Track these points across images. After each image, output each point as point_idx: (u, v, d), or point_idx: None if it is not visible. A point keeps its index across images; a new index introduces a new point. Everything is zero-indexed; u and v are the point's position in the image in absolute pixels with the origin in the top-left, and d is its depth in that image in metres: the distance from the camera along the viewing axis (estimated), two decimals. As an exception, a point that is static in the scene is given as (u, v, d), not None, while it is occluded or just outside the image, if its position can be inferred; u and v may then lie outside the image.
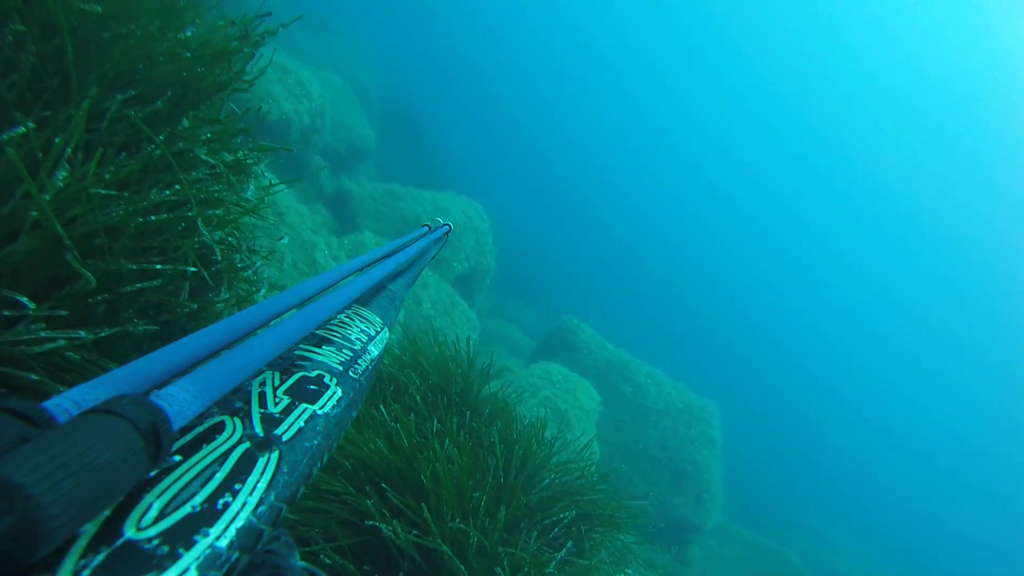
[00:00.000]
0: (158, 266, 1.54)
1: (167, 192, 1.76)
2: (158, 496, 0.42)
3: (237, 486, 0.47)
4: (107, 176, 1.70)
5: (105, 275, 1.55)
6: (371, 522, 2.12)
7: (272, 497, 0.49)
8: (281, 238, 2.58)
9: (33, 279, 1.45)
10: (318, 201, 8.40)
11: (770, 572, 10.58)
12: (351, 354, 0.79)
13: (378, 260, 1.11)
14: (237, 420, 0.54)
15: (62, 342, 1.21)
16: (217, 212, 1.90)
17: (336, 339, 0.81)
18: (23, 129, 1.29)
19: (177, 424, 0.42)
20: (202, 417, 0.53)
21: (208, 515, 0.42)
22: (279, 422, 0.57)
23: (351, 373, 0.75)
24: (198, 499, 0.43)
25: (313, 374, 0.69)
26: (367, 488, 2.22)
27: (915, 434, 37.65)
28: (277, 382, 0.64)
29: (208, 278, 1.96)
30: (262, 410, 0.57)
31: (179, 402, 0.43)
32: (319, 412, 0.63)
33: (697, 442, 8.83)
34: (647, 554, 4.71)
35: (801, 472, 24.03)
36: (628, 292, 31.00)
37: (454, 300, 7.71)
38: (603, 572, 3.05)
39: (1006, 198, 43.99)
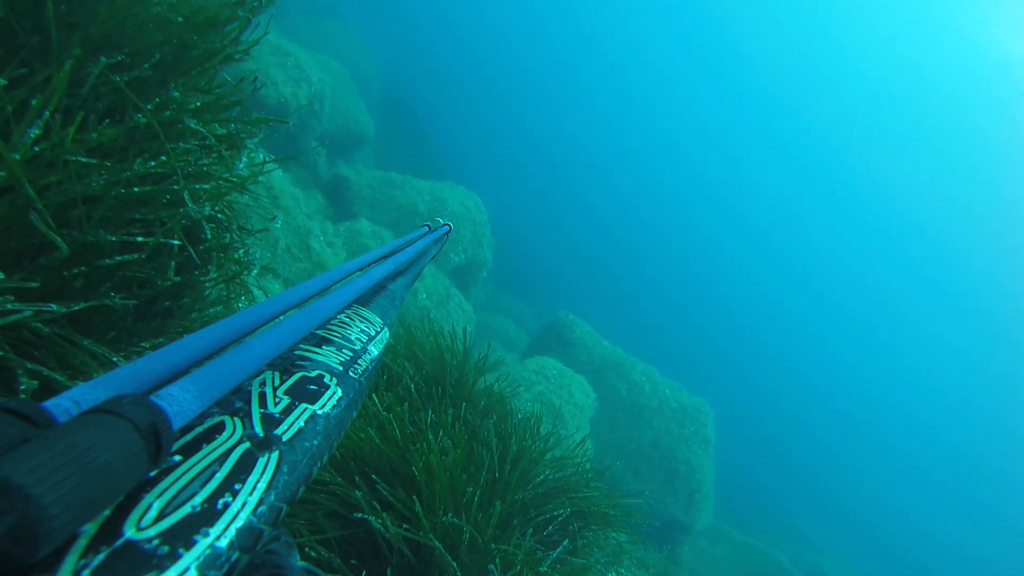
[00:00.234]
0: (139, 238, 1.45)
1: (152, 163, 1.66)
2: (158, 496, 0.42)
3: (237, 486, 0.47)
4: (89, 143, 1.60)
5: (83, 247, 1.46)
6: (360, 514, 2.04)
7: (272, 497, 0.49)
8: (274, 218, 2.49)
9: (3, 248, 1.36)
10: (314, 187, 8.27)
11: (759, 573, 10.60)
12: (351, 354, 0.79)
13: (378, 260, 1.10)
14: (237, 420, 0.54)
15: (28, 312, 1.12)
16: (205, 187, 1.80)
17: (336, 339, 0.81)
18: (-8, 83, 1.19)
19: (177, 424, 0.41)
20: (202, 417, 0.53)
21: (208, 515, 0.42)
22: (279, 422, 0.57)
23: (351, 373, 0.75)
24: (198, 499, 0.43)
25: (313, 374, 0.69)
26: (356, 479, 2.14)
27: (905, 439, 37.98)
28: (277, 382, 0.64)
29: (195, 256, 1.87)
30: (262, 410, 0.57)
31: (179, 402, 0.43)
32: (319, 412, 0.63)
33: (690, 442, 8.80)
34: (639, 553, 4.67)
35: (789, 474, 24.18)
36: (624, 290, 31.01)
37: (450, 292, 7.62)
38: (596, 571, 2.99)
39: (1003, 203, 44.26)
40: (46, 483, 0.28)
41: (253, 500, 0.46)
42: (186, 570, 0.38)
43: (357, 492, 2.06)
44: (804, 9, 43.54)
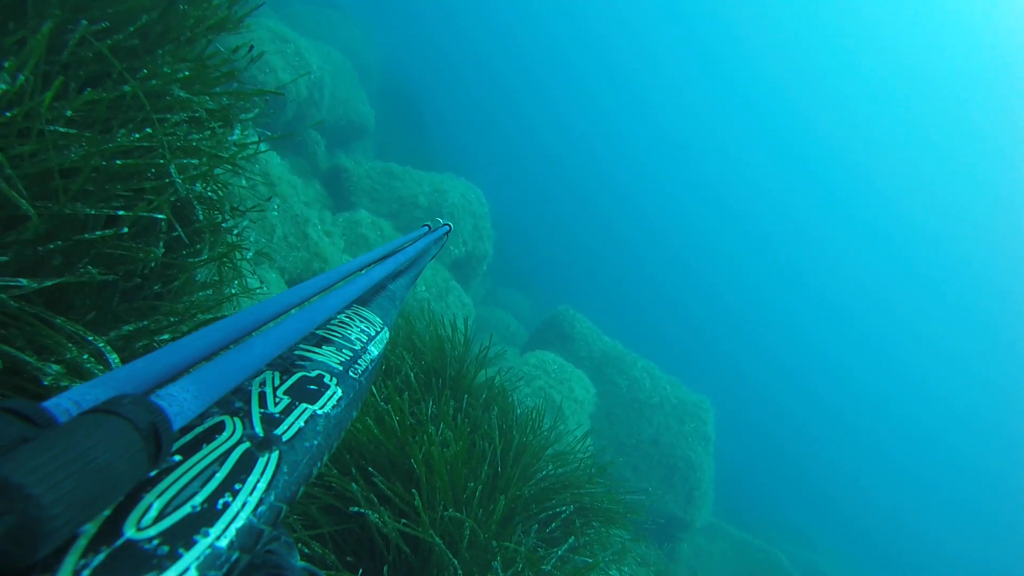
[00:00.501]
0: (120, 212, 1.35)
1: (137, 135, 1.56)
2: (158, 496, 0.41)
3: (237, 486, 0.46)
4: (68, 112, 1.50)
5: (59, 221, 1.36)
6: (356, 508, 1.95)
7: (272, 497, 0.49)
8: (269, 198, 2.39)
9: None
10: (313, 177, 8.16)
11: (758, 570, 10.56)
12: (351, 354, 0.79)
13: (378, 260, 1.10)
14: (237, 420, 0.54)
15: (-9, 286, 1.02)
16: (194, 162, 1.70)
17: (336, 339, 0.80)
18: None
19: (177, 424, 0.41)
20: (202, 417, 0.53)
21: (208, 515, 0.42)
22: (279, 422, 0.57)
23: (351, 373, 0.75)
24: (198, 499, 0.43)
25: (313, 374, 0.69)
26: (353, 471, 2.04)
27: (902, 440, 38.06)
28: (277, 382, 0.63)
29: (184, 236, 1.77)
30: (262, 410, 0.57)
31: (179, 402, 0.43)
32: (319, 412, 0.62)
33: (690, 439, 8.73)
34: (639, 550, 4.60)
35: (786, 472, 24.21)
36: (623, 287, 30.93)
37: (449, 284, 7.52)
38: (600, 570, 2.91)
39: (1004, 205, 44.22)
40: (46, 483, 0.28)
41: (253, 500, 0.46)
42: (186, 570, 0.38)
43: (353, 485, 1.97)
44: (805, 8, 43.33)
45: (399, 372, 2.75)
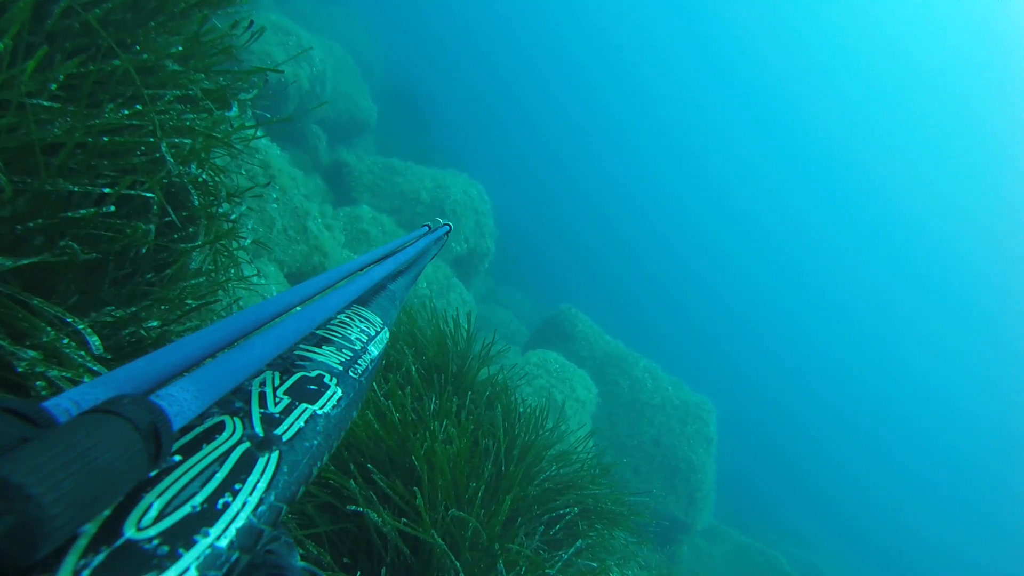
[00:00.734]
0: (106, 189, 1.26)
1: (126, 112, 1.47)
2: (158, 496, 0.41)
3: (237, 486, 0.46)
4: (52, 86, 1.42)
5: (41, 198, 1.28)
6: (354, 507, 1.87)
7: (272, 497, 0.49)
8: (268, 183, 2.31)
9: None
10: (314, 172, 8.07)
11: (758, 573, 10.48)
12: (351, 354, 0.79)
13: (378, 260, 1.10)
14: (237, 420, 0.54)
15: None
16: (187, 142, 1.61)
17: (336, 339, 0.80)
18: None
19: (177, 424, 0.41)
20: (202, 417, 0.53)
21: (208, 515, 0.42)
22: (279, 422, 0.56)
23: (351, 373, 0.75)
24: (198, 499, 0.43)
25: (313, 374, 0.68)
26: (351, 467, 1.96)
27: (902, 442, 37.97)
28: (277, 382, 0.63)
29: (176, 219, 1.68)
30: (262, 410, 0.57)
31: (179, 402, 0.43)
32: (319, 412, 0.62)
33: (692, 440, 8.65)
34: (641, 553, 4.52)
35: (786, 475, 24.12)
36: (624, 288, 30.85)
37: (451, 281, 7.44)
38: (603, 575, 2.82)
39: (1005, 206, 44.12)
40: (46, 483, 0.28)
41: (253, 500, 0.46)
42: (186, 570, 0.38)
43: (352, 482, 1.88)
44: (806, 7, 43.23)
45: (400, 367, 2.67)
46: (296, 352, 0.72)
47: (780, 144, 45.88)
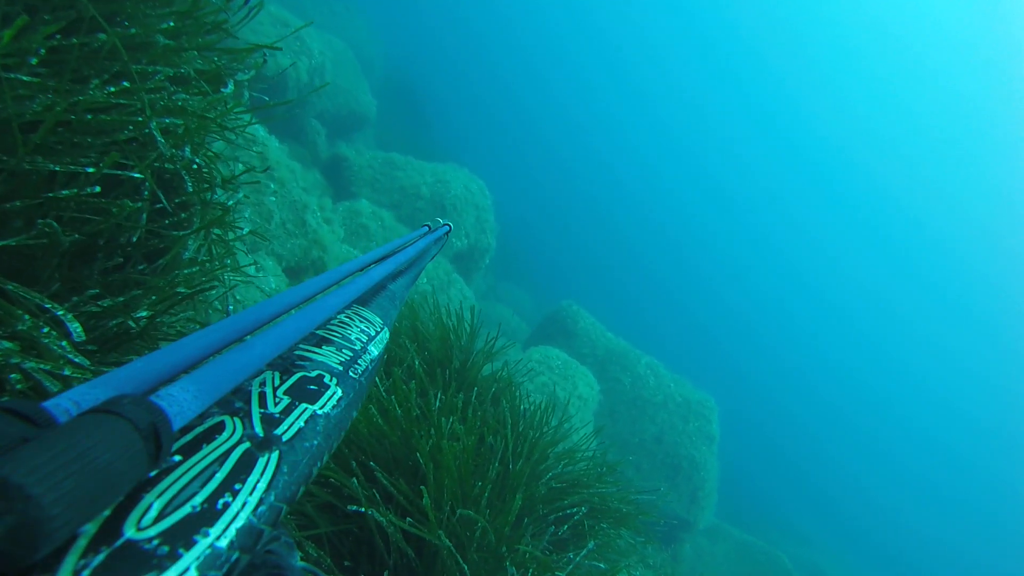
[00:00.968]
0: (89, 169, 1.18)
1: (112, 89, 1.39)
2: (158, 496, 0.41)
3: (237, 486, 0.46)
4: (33, 61, 1.33)
5: (20, 178, 1.19)
6: (355, 507, 1.79)
7: (272, 497, 0.48)
8: (266, 169, 2.22)
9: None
10: (313, 166, 7.98)
11: (761, 572, 10.42)
12: (351, 354, 0.78)
13: (378, 260, 1.09)
14: (237, 420, 0.53)
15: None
16: (178, 122, 1.52)
17: (336, 339, 0.80)
18: None
19: (177, 424, 0.41)
20: (202, 417, 0.52)
21: (208, 515, 0.42)
22: (279, 422, 0.56)
23: (351, 373, 0.74)
24: (198, 499, 0.43)
25: (313, 374, 0.68)
26: (352, 464, 1.88)
27: (904, 442, 37.95)
28: (277, 382, 0.63)
29: (167, 204, 1.60)
30: (262, 410, 0.57)
31: (179, 402, 0.43)
32: (319, 412, 0.62)
33: (695, 438, 8.58)
34: (645, 553, 4.45)
35: (787, 474, 24.10)
36: (624, 286, 30.76)
37: (451, 277, 7.36)
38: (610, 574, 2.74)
39: (1008, 205, 44.08)
40: (46, 483, 0.28)
41: (253, 500, 0.46)
42: (186, 570, 0.37)
43: (354, 480, 1.80)
44: (808, 5, 43.12)
45: (402, 362, 2.58)
46: (296, 352, 0.71)
47: (781, 142, 45.81)
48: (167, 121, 1.51)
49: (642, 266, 34.90)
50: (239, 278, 2.21)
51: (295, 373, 0.66)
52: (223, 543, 0.41)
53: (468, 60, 30.03)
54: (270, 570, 0.64)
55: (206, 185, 1.89)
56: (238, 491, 0.45)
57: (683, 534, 8.52)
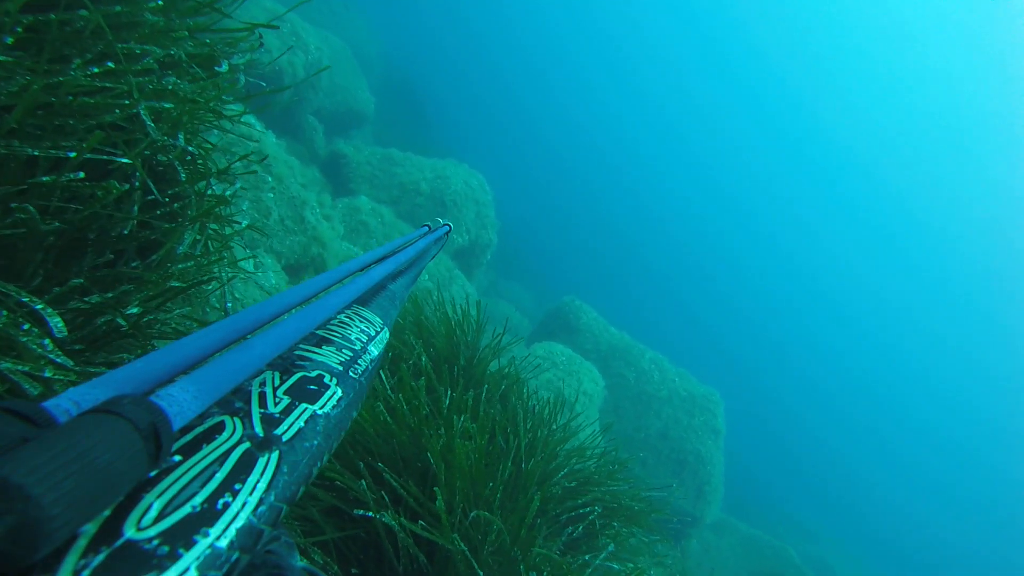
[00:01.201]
0: (71, 154, 1.09)
1: (95, 70, 1.30)
2: (158, 496, 0.41)
3: (237, 486, 0.46)
4: (9, 40, 1.24)
5: (-3, 163, 1.10)
6: (362, 511, 1.70)
7: (272, 497, 0.48)
8: (264, 158, 2.13)
9: None
10: (311, 164, 7.88)
11: (768, 566, 10.37)
12: (351, 354, 0.78)
13: (378, 260, 1.09)
14: (237, 420, 0.53)
15: None
16: (168, 106, 1.43)
17: (336, 339, 0.80)
18: None
19: (177, 424, 0.41)
20: (202, 417, 0.52)
21: (208, 515, 0.42)
22: (279, 422, 0.56)
23: (351, 373, 0.74)
24: (198, 499, 0.43)
25: (313, 374, 0.68)
26: (360, 465, 1.79)
27: (909, 436, 37.94)
28: (277, 382, 0.63)
29: (157, 195, 1.51)
30: (262, 410, 0.57)
31: (179, 402, 0.42)
32: (319, 412, 0.62)
33: (700, 432, 8.50)
34: (656, 550, 4.37)
35: (792, 468, 24.07)
36: (626, 282, 30.68)
37: (453, 273, 7.28)
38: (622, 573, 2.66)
39: (1010, 201, 43.98)
40: (46, 483, 0.28)
41: (253, 500, 0.46)
42: (186, 570, 0.37)
43: (362, 482, 1.71)
44: (810, 4, 42.95)
45: (408, 359, 2.49)
46: (296, 352, 0.71)
47: (783, 137, 45.69)
48: (157, 105, 1.42)
49: (643, 263, 34.81)
50: (236, 273, 2.13)
51: (295, 373, 0.66)
52: (223, 543, 0.41)
53: (467, 58, 29.90)
54: (270, 570, 0.64)
55: (201, 175, 1.80)
56: (238, 491, 0.45)
57: (689, 529, 8.46)
